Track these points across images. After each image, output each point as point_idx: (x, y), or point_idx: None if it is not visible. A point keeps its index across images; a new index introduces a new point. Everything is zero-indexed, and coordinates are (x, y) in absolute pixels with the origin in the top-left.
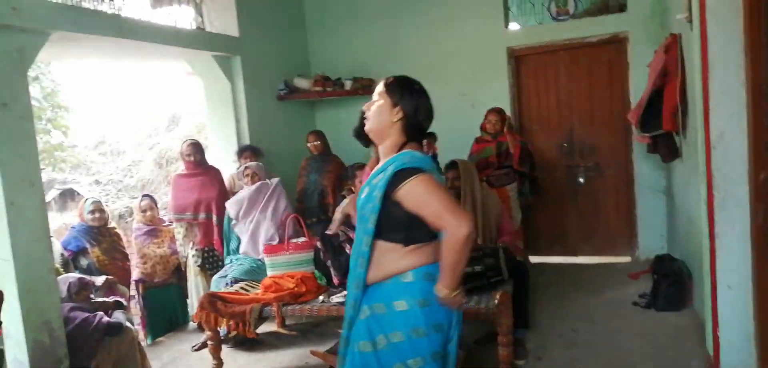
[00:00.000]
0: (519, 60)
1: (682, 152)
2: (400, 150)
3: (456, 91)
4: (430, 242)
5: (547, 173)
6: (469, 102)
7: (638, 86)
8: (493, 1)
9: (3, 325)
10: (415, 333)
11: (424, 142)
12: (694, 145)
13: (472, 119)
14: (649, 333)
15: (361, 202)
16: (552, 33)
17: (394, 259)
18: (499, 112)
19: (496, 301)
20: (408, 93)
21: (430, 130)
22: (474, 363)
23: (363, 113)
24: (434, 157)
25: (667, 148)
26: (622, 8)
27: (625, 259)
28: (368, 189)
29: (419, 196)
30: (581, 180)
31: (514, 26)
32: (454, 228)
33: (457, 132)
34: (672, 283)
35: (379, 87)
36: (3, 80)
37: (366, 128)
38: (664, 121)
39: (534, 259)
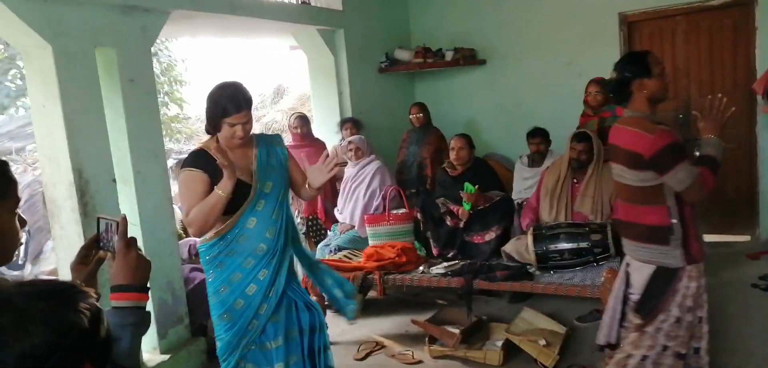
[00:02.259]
0: (631, 26)
1: None
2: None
3: (562, 60)
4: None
5: None
6: (577, 71)
7: (766, 53)
8: None
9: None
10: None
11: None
12: None
13: (579, 90)
14: None
15: None
16: None
17: None
18: (599, 82)
19: (603, 278)
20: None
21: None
22: (577, 341)
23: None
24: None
25: None
26: None
27: (745, 239)
28: None
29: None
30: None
31: None
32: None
33: (562, 103)
34: None
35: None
36: (130, 57)
37: None
38: None
39: None
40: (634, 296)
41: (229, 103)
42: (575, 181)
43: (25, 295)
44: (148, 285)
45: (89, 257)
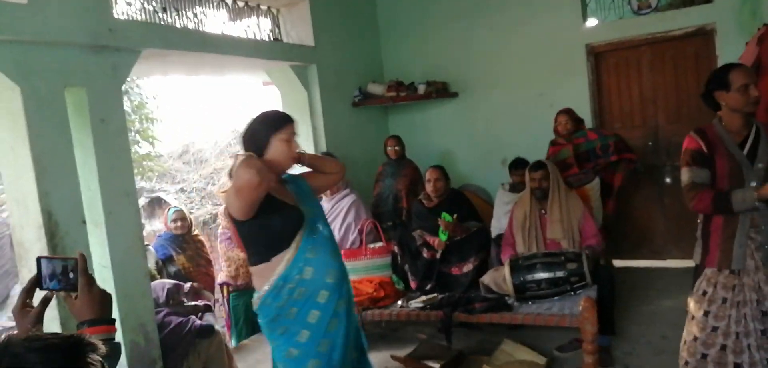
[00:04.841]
0: (598, 56)
1: None
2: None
3: (534, 91)
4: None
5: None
6: (548, 102)
7: None
8: None
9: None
10: None
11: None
12: None
13: (551, 120)
14: None
15: None
16: (633, 27)
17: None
18: (568, 112)
19: (580, 307)
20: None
21: None
22: None
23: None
24: None
25: None
26: None
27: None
28: None
29: None
30: (668, 179)
31: (592, 22)
32: None
33: (534, 133)
34: None
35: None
36: (100, 97)
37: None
38: (757, 117)
39: (618, 263)
40: None
41: (277, 118)
42: (543, 211)
43: (36, 351)
44: (113, 317)
45: (31, 300)
